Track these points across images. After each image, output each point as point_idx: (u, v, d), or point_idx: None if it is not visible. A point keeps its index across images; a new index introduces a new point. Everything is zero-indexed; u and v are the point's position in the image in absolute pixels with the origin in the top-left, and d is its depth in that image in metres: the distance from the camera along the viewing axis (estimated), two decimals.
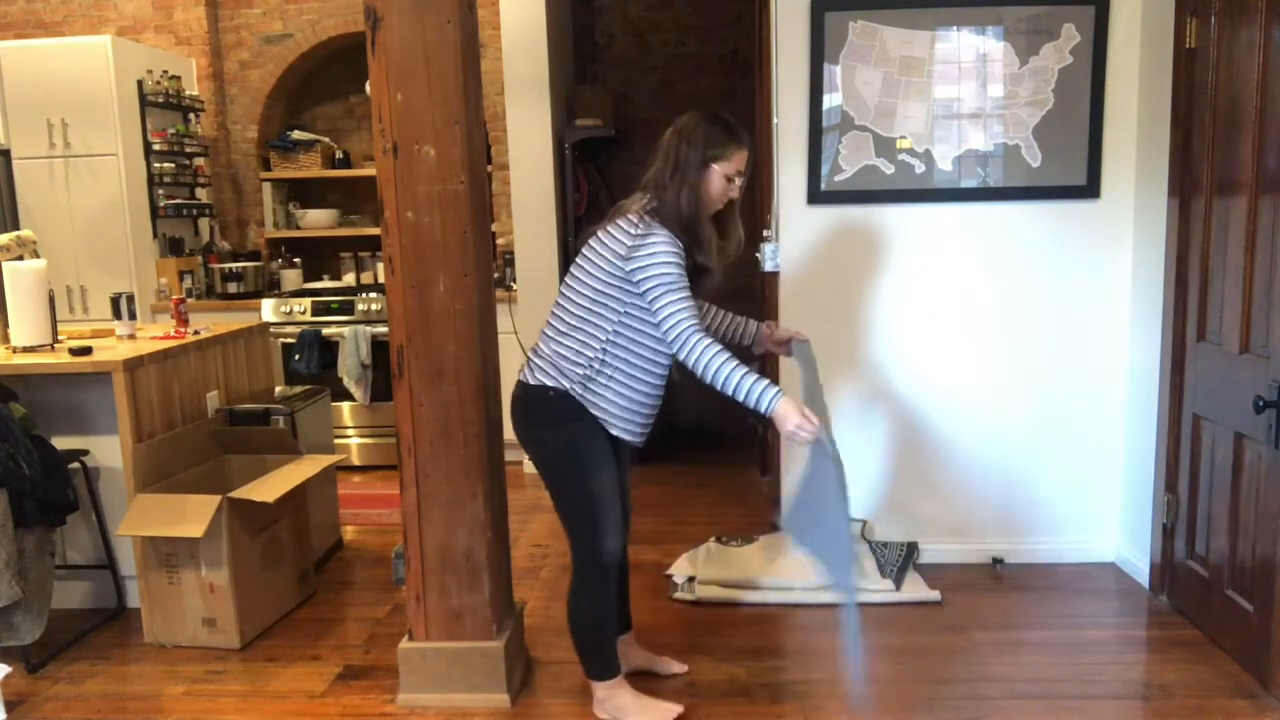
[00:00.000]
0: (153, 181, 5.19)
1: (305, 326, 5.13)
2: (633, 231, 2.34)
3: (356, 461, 5.21)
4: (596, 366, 2.40)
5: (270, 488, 3.14)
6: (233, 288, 5.45)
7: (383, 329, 4.98)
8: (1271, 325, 2.60)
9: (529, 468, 4.08)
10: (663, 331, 2.32)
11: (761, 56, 4.09)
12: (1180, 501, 3.13)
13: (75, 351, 3.19)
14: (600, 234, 2.43)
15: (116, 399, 3.10)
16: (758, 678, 2.81)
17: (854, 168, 3.42)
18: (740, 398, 2.28)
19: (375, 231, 5.59)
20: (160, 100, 5.20)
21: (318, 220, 5.82)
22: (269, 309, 5.20)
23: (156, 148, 5.18)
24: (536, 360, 2.48)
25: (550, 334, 2.47)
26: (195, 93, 5.54)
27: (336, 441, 4.99)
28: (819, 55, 3.37)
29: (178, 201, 5.35)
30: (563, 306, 2.46)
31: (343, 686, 2.85)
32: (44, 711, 2.75)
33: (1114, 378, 3.48)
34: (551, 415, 2.44)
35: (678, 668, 2.84)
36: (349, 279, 5.82)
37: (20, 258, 3.41)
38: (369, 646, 3.10)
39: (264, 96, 5.71)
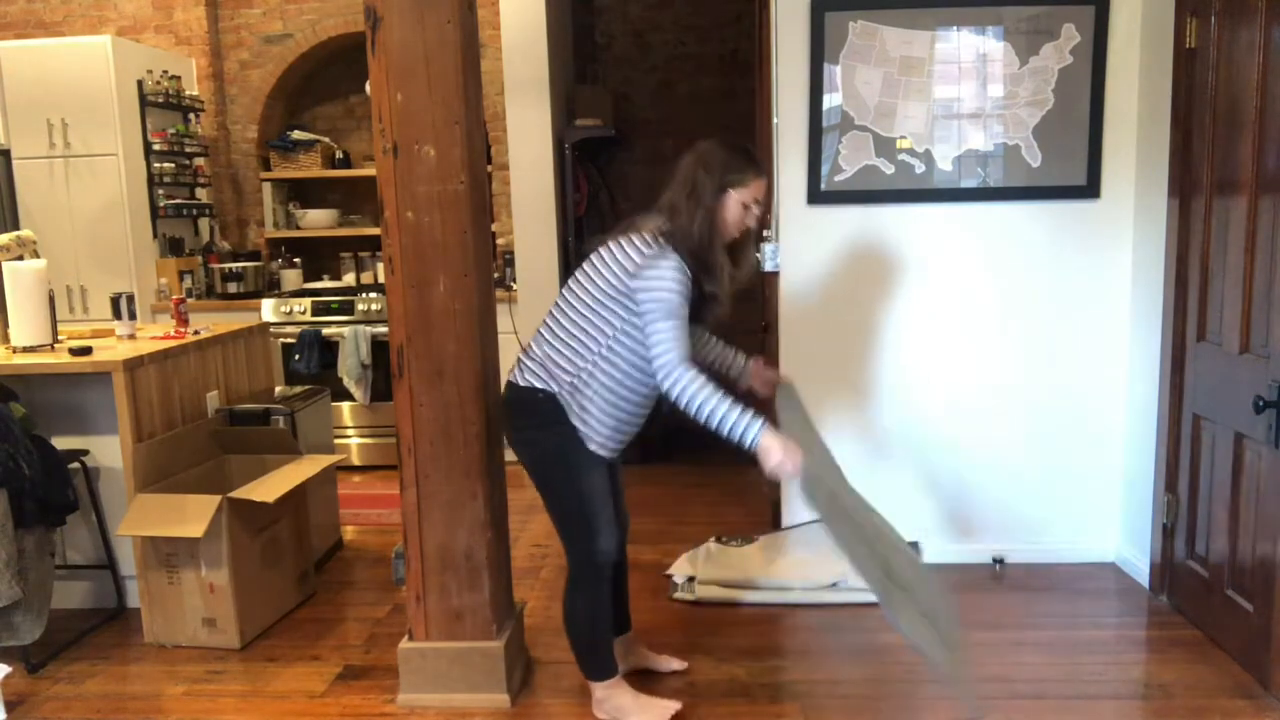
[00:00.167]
0: (153, 181, 5.19)
1: (305, 326, 5.13)
2: (645, 251, 2.33)
3: (356, 461, 5.21)
4: (584, 377, 2.39)
5: (270, 488, 3.14)
6: (233, 288, 5.45)
7: (383, 329, 4.98)
8: (1271, 325, 2.60)
9: None
10: (651, 356, 2.30)
11: (761, 56, 4.09)
12: (1180, 501, 3.13)
13: (75, 351, 3.19)
14: (610, 246, 2.42)
15: (116, 399, 3.10)
16: (758, 678, 2.81)
17: (854, 168, 3.42)
18: (724, 432, 2.27)
19: (375, 231, 5.59)
20: (160, 100, 5.20)
21: (318, 220, 5.82)
22: (269, 309, 5.20)
23: (156, 148, 5.18)
24: (528, 361, 2.48)
25: (546, 336, 2.47)
26: (195, 93, 5.54)
27: (336, 441, 4.99)
28: (819, 55, 3.37)
29: (178, 201, 5.35)
30: (562, 310, 2.46)
31: (343, 686, 2.85)
32: (44, 711, 2.75)
33: (1114, 378, 3.48)
34: (540, 417, 2.43)
35: (677, 665, 2.84)
36: (349, 279, 5.82)
37: (20, 258, 3.41)
38: (369, 646, 3.10)
39: (264, 96, 5.71)
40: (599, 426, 2.43)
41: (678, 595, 3.38)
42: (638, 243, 2.36)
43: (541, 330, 2.50)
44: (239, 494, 3.08)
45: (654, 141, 5.93)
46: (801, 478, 2.27)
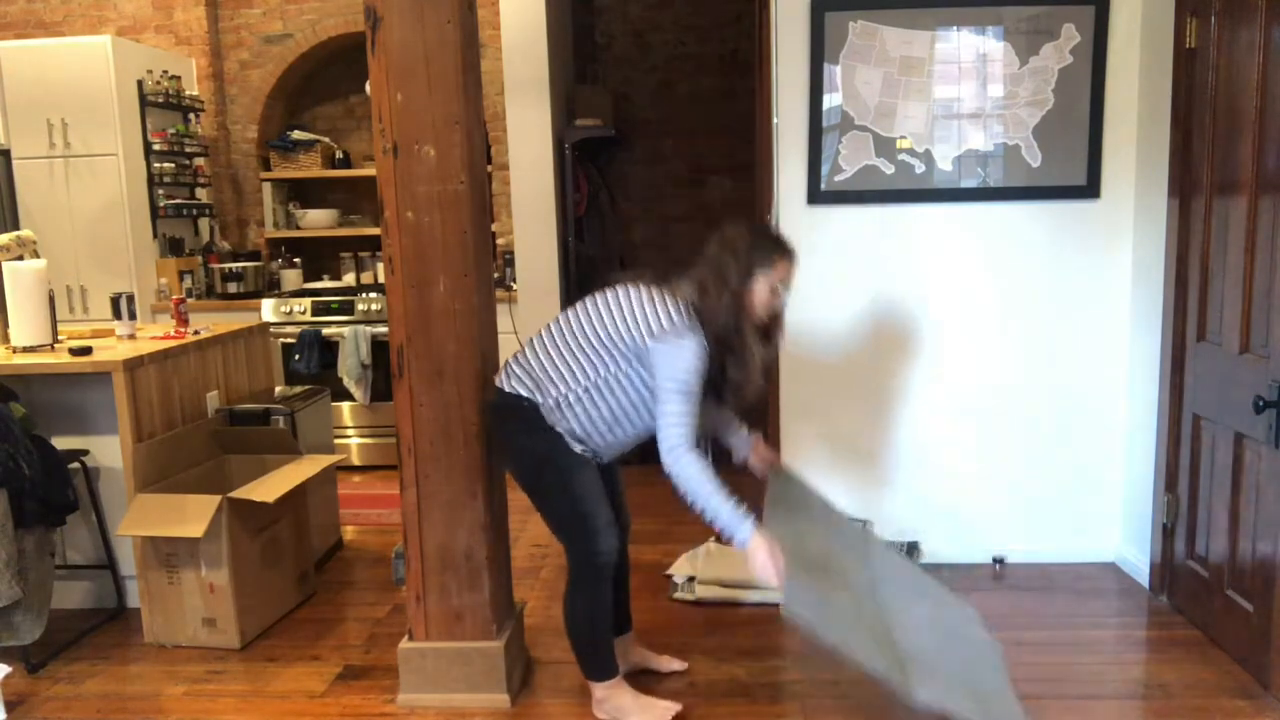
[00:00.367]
0: (153, 181, 5.18)
1: (305, 326, 5.13)
2: (674, 318, 2.33)
3: (356, 461, 5.21)
4: (571, 400, 2.41)
5: (270, 488, 3.14)
6: (233, 288, 5.45)
7: (383, 329, 4.98)
8: (1271, 325, 2.60)
9: None
10: (658, 427, 2.32)
11: (761, 56, 4.09)
12: (1180, 501, 3.13)
13: (75, 351, 3.19)
14: (636, 293, 2.41)
15: (116, 399, 3.10)
16: (758, 678, 2.81)
17: (854, 168, 3.42)
18: (716, 527, 2.32)
19: (375, 231, 5.59)
20: (160, 100, 5.20)
21: (318, 220, 5.82)
22: (269, 309, 5.20)
23: (156, 148, 5.18)
24: (516, 369, 2.48)
25: (539, 349, 2.47)
26: (195, 93, 5.54)
27: (336, 441, 4.99)
28: (819, 55, 3.37)
29: (178, 201, 5.35)
30: (562, 331, 2.45)
31: (343, 686, 2.85)
32: (44, 711, 2.75)
33: (1114, 378, 3.48)
34: (524, 422, 2.44)
35: (677, 665, 2.84)
36: (349, 279, 5.82)
37: (20, 258, 3.41)
38: (369, 646, 3.10)
39: (264, 96, 5.71)
40: (583, 438, 2.45)
41: (678, 595, 3.38)
42: (669, 306, 2.35)
43: (535, 342, 2.49)
44: (239, 494, 3.08)
45: (654, 141, 5.93)
46: (785, 588, 2.26)
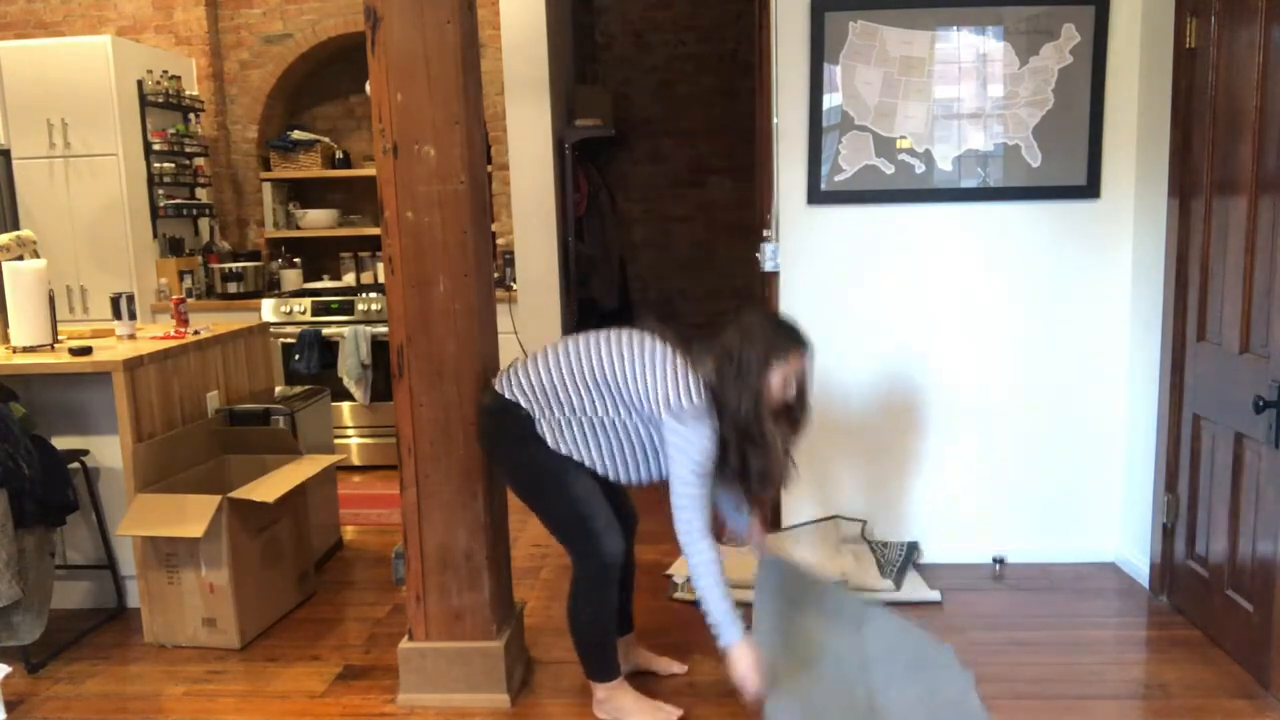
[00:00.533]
0: (153, 181, 5.18)
1: (305, 326, 5.13)
2: (694, 399, 2.32)
3: (356, 461, 5.21)
4: (571, 424, 2.42)
5: (270, 488, 3.14)
6: (233, 288, 5.45)
7: (383, 329, 4.98)
8: (1271, 325, 2.60)
9: None
10: (675, 506, 2.36)
11: (761, 56, 4.09)
12: (1180, 501, 3.13)
13: (75, 351, 3.19)
14: (656, 349, 2.40)
15: (116, 399, 3.10)
16: None
17: (854, 168, 3.42)
18: (708, 619, 2.37)
19: (375, 231, 5.59)
20: (160, 100, 5.20)
21: (318, 220, 5.82)
22: (269, 309, 5.20)
23: (156, 148, 5.18)
24: (520, 379, 2.47)
25: (547, 368, 2.45)
26: (195, 93, 5.54)
27: (336, 441, 4.99)
28: (819, 55, 3.37)
29: (178, 201, 5.34)
30: (574, 358, 2.44)
31: (343, 686, 2.85)
32: (44, 711, 2.75)
33: (1114, 378, 3.48)
34: (520, 430, 2.44)
35: (677, 668, 2.84)
36: (349, 279, 5.82)
37: (20, 258, 3.41)
38: (369, 646, 3.10)
39: (264, 96, 5.71)
40: (578, 457, 2.45)
41: (678, 595, 3.38)
42: (690, 384, 2.33)
43: (541, 360, 2.48)
44: (239, 494, 3.08)
45: (654, 141, 5.94)
46: (767, 710, 2.31)
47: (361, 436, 5.22)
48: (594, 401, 2.40)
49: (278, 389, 4.09)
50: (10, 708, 2.73)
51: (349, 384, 5.08)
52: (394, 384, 2.61)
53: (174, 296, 4.11)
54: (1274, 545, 2.60)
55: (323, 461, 3.51)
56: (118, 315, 3.59)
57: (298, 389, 4.01)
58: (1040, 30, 3.32)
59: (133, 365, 3.14)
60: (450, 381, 2.58)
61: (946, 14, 3.33)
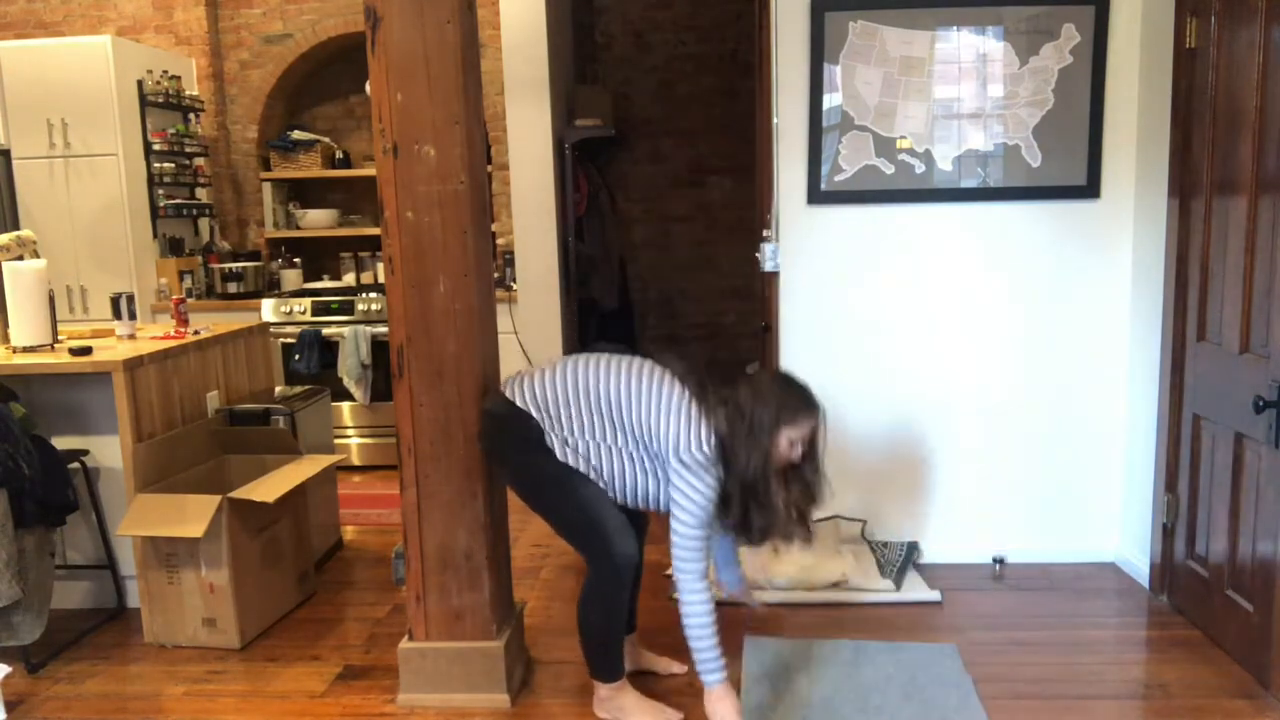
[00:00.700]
0: (153, 181, 5.18)
1: (305, 326, 5.13)
2: (705, 450, 2.34)
3: (356, 461, 5.21)
4: (573, 440, 2.43)
5: (270, 488, 3.14)
6: (233, 288, 5.45)
7: (383, 329, 4.98)
8: (1271, 325, 2.60)
9: None
10: (674, 545, 2.40)
11: (761, 56, 4.09)
12: (1180, 501, 3.13)
13: (75, 351, 3.19)
14: (675, 390, 2.40)
15: (116, 399, 3.10)
16: None
17: (854, 168, 3.42)
18: (694, 657, 2.42)
19: (375, 231, 5.59)
20: (160, 100, 5.20)
21: (318, 220, 5.82)
22: (269, 309, 5.20)
23: (156, 148, 5.18)
24: (531, 388, 2.47)
25: (556, 385, 2.45)
26: (195, 93, 5.54)
27: (336, 441, 4.99)
28: (819, 55, 3.37)
29: (178, 201, 5.35)
30: (585, 380, 2.44)
31: (343, 686, 2.85)
32: (44, 711, 2.75)
33: (1114, 378, 3.48)
34: (530, 440, 2.44)
35: (677, 668, 2.84)
36: (349, 279, 5.82)
37: (20, 258, 3.41)
38: (369, 646, 3.10)
39: (264, 96, 5.71)
40: (584, 469, 2.46)
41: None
42: (703, 434, 2.34)
43: (551, 375, 2.47)
44: (239, 494, 3.08)
45: (654, 141, 5.94)
46: None
47: (361, 436, 5.22)
48: (605, 428, 2.42)
49: (278, 389, 4.09)
50: (10, 708, 2.73)
51: (349, 384, 5.08)
52: (394, 384, 2.60)
53: (174, 296, 4.11)
54: (1274, 545, 2.60)
55: (323, 461, 3.51)
56: (118, 315, 3.59)
57: (298, 389, 4.01)
58: (1040, 30, 3.32)
59: (133, 365, 3.14)
60: (450, 381, 2.58)
61: (946, 14, 3.33)
